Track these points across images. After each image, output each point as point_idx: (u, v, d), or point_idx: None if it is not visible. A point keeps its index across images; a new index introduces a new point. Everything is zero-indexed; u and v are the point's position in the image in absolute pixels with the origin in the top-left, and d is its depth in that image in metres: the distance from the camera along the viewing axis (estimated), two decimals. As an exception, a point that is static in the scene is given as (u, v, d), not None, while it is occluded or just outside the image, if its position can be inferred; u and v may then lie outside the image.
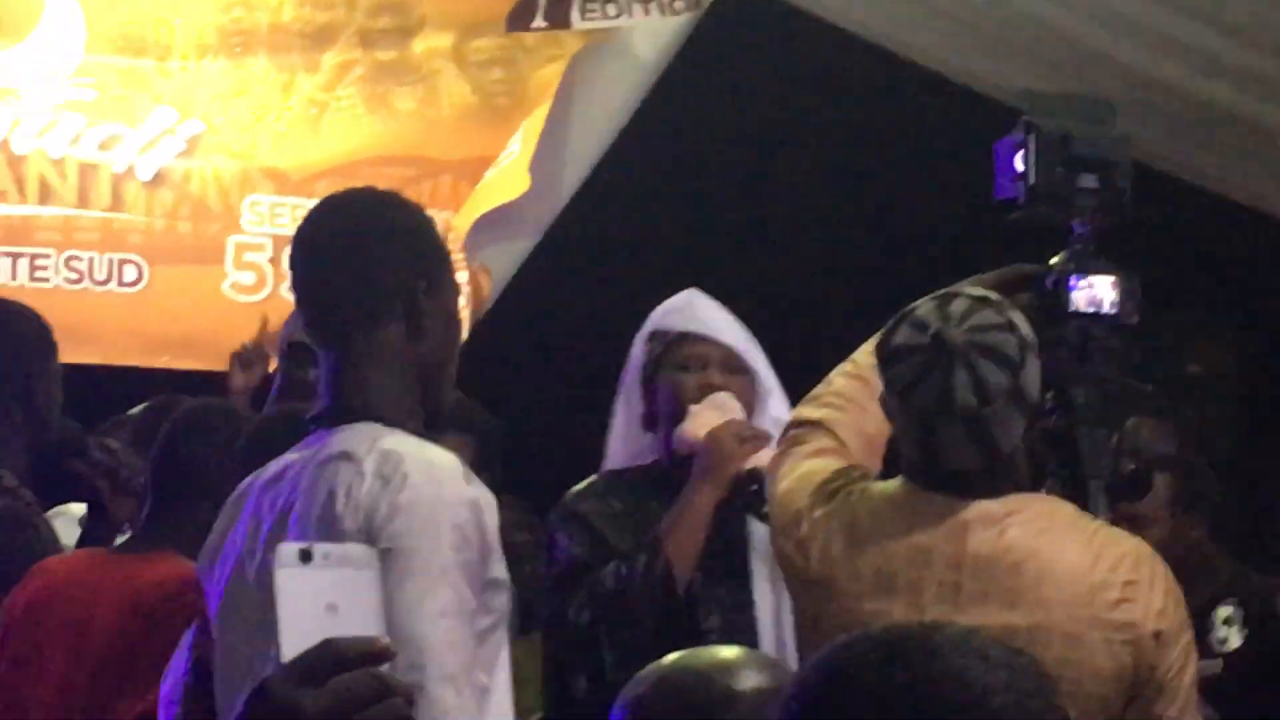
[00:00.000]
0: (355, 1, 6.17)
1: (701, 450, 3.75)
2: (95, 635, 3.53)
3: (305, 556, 1.53)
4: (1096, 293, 3.48)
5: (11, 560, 3.71)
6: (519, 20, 6.12)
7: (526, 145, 6.05)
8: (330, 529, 2.70)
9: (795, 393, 3.65)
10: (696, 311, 3.90)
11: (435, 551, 2.67)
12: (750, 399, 3.86)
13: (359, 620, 1.52)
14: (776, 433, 3.57)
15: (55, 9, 6.02)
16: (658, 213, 7.13)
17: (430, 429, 2.89)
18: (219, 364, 5.84)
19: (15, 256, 6.04)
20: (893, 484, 3.14)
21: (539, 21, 6.11)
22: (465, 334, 6.15)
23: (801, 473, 3.21)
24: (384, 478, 2.71)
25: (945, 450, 3.05)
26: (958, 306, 3.04)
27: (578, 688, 3.77)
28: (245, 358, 5.63)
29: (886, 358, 3.08)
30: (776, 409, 3.85)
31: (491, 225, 6.05)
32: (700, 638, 3.61)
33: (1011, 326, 3.03)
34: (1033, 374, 3.05)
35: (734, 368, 3.84)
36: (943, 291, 3.12)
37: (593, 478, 3.96)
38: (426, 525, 2.68)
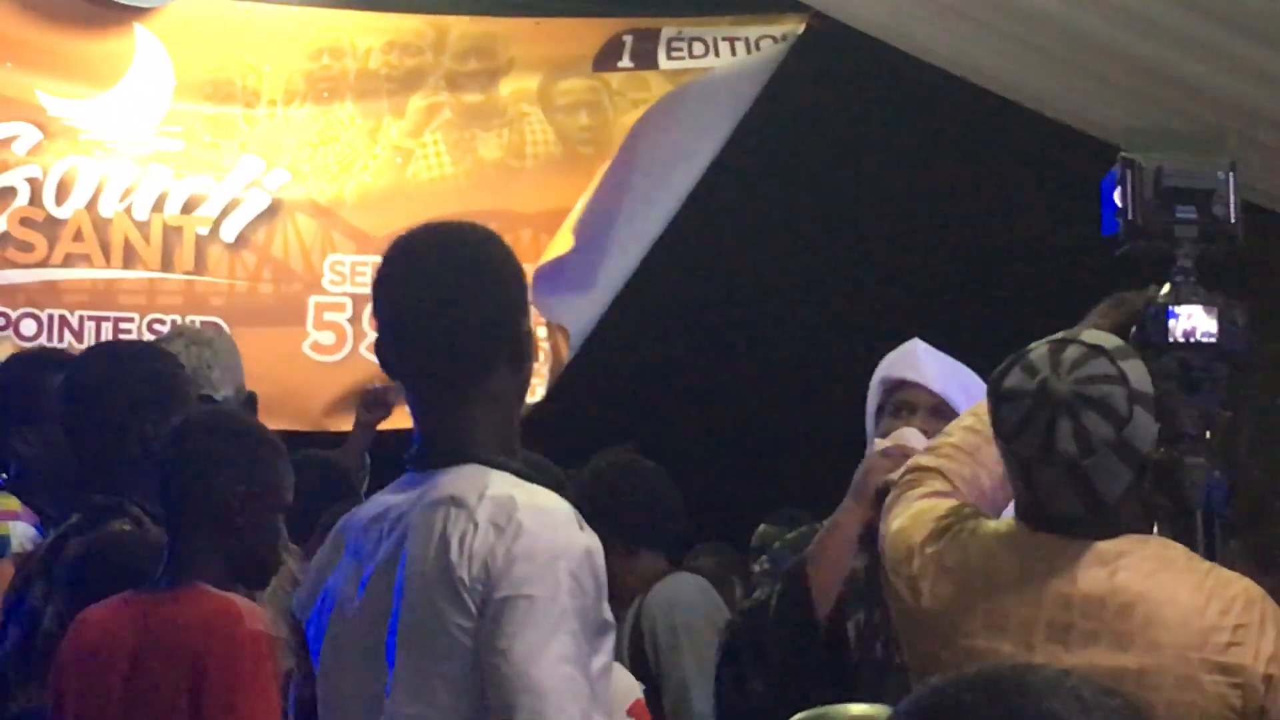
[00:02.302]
0: (443, 44, 6.18)
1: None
2: (125, 687, 3.44)
3: None
4: (1195, 322, 3.47)
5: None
6: (605, 61, 6.11)
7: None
8: (445, 577, 2.71)
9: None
10: (913, 359, 3.98)
11: (553, 599, 2.68)
12: None
13: None
14: None
15: (145, 56, 6.06)
16: (743, 260, 7.05)
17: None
18: (299, 423, 5.80)
19: (99, 320, 6.07)
20: (1004, 523, 3.14)
21: (625, 62, 6.10)
22: (543, 394, 6.14)
23: (914, 511, 3.21)
24: (498, 526, 2.71)
25: (1047, 496, 3.04)
26: (1070, 354, 3.03)
27: (726, 692, 3.87)
28: (371, 398, 5.54)
29: (996, 399, 3.08)
30: None
31: (560, 278, 5.99)
32: (887, 669, 3.67)
33: (1122, 378, 3.01)
34: (1142, 426, 3.02)
35: (941, 413, 3.86)
36: (1060, 336, 3.10)
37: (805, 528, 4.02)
38: (544, 573, 2.69)
